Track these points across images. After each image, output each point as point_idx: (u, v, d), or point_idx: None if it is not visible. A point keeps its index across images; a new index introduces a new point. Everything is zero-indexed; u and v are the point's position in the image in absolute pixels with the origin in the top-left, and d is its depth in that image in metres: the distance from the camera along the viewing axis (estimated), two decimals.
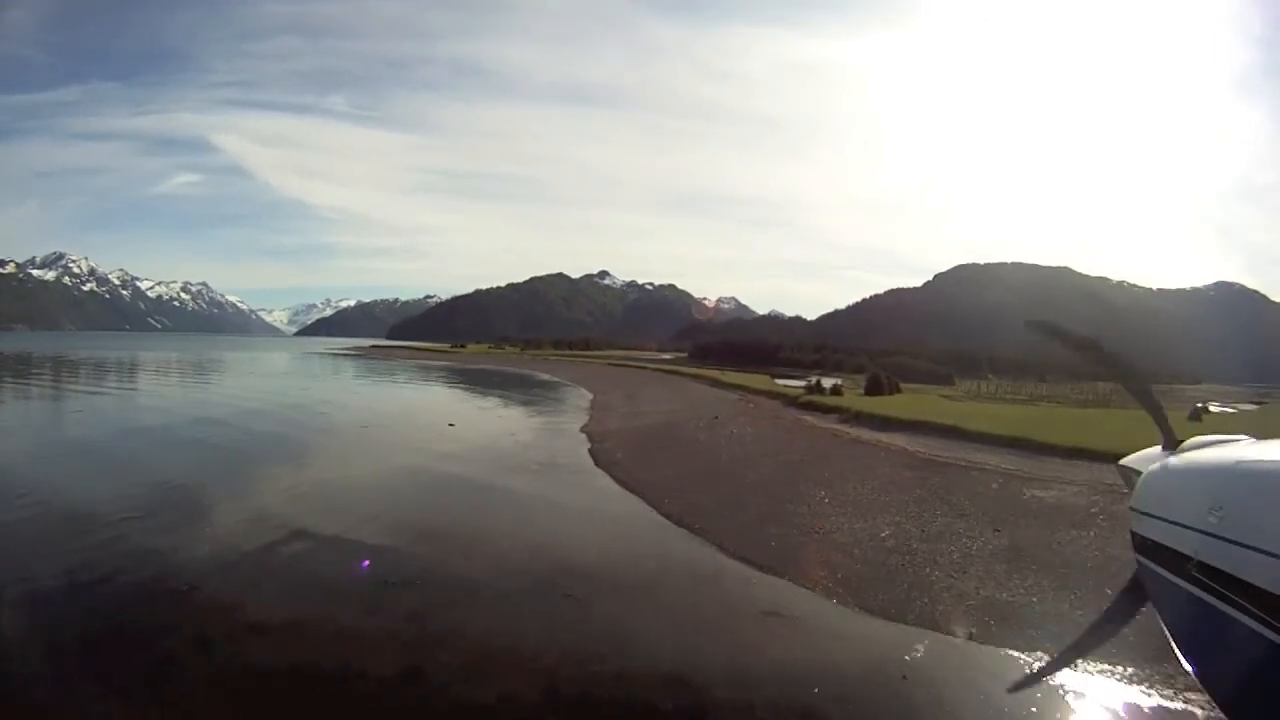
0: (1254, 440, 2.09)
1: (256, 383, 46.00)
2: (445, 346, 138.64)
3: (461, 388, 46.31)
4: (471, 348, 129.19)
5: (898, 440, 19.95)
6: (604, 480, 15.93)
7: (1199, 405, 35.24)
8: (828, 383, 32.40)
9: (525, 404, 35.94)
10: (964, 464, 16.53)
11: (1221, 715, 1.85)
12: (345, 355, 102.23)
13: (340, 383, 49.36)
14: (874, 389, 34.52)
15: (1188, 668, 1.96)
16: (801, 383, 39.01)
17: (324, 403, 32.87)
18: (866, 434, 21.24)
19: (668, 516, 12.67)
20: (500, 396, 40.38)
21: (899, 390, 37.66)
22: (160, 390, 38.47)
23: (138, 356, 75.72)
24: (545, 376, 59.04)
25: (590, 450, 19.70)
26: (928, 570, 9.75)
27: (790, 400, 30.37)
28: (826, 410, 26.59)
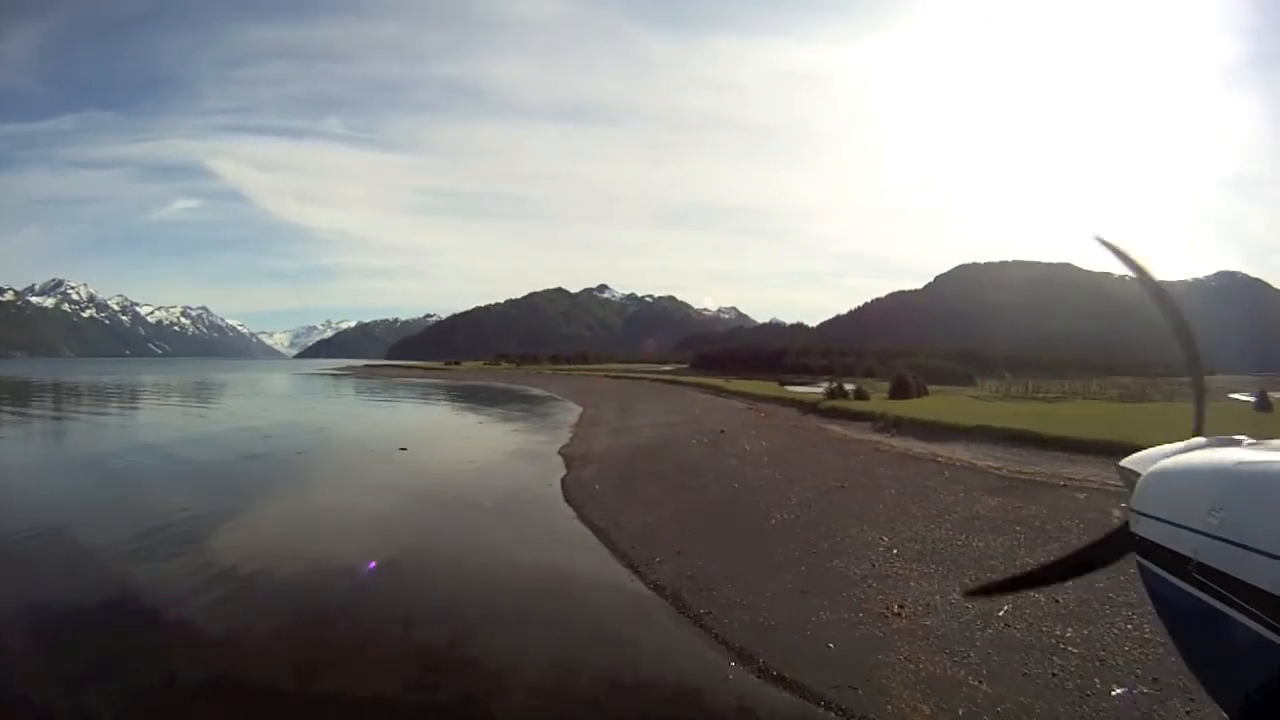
0: (1254, 440, 2.04)
1: (223, 405, 41.81)
2: (439, 364, 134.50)
3: (438, 405, 41.97)
4: (466, 364, 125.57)
5: (957, 453, 15.59)
6: (572, 523, 11.59)
7: (1263, 393, 30.46)
8: (849, 386, 27.87)
9: (501, 421, 31.58)
10: (1061, 482, 12.14)
11: (1224, 717, 1.75)
12: (334, 375, 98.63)
13: (308, 403, 45.04)
14: (900, 391, 30.14)
15: (1189, 670, 1.93)
16: (816, 388, 34.63)
17: (276, 425, 28.73)
18: (916, 446, 16.85)
19: (658, 590, 8.32)
20: (477, 414, 36.04)
21: (926, 392, 33.44)
22: (98, 419, 34.17)
23: (102, 381, 71.52)
24: (535, 391, 54.83)
25: (564, 480, 15.36)
26: (1104, 683, 5.36)
27: (809, 406, 25.98)
28: (856, 417, 22.20)
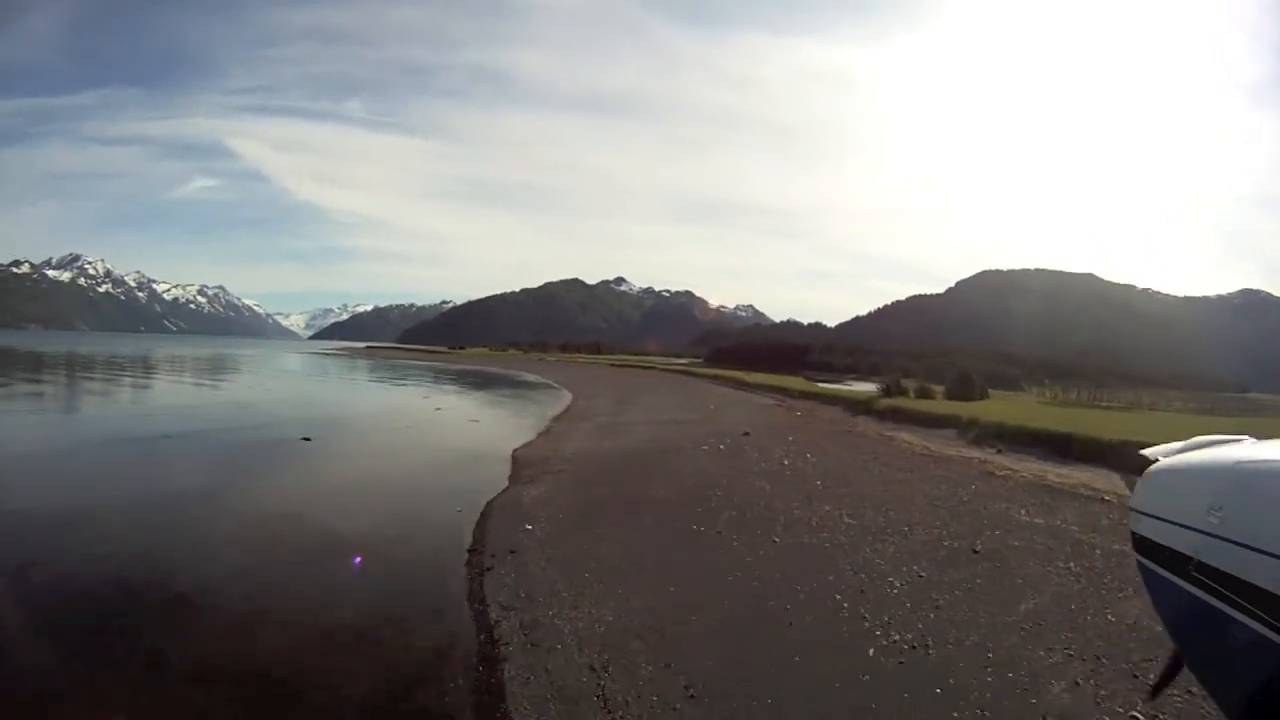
0: (1254, 440, 2.00)
1: (165, 378, 36.47)
2: (443, 349, 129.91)
3: (409, 388, 36.21)
4: (470, 350, 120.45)
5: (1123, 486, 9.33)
6: (435, 627, 5.63)
7: None
8: (907, 383, 21.65)
9: (468, 408, 25.75)
10: None
11: (1223, 717, 1.75)
12: (326, 354, 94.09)
13: (266, 379, 39.44)
14: (962, 390, 23.90)
15: (1189, 669, 1.92)
16: (856, 385, 28.44)
17: (191, 404, 23.58)
18: (1050, 472, 10.76)
19: None
20: (446, 399, 30.32)
21: (988, 394, 27.30)
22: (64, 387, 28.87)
23: (95, 351, 66.91)
24: (529, 377, 49.06)
25: (492, 504, 9.46)
26: None
27: (860, 406, 19.86)
28: (931, 421, 16.10)
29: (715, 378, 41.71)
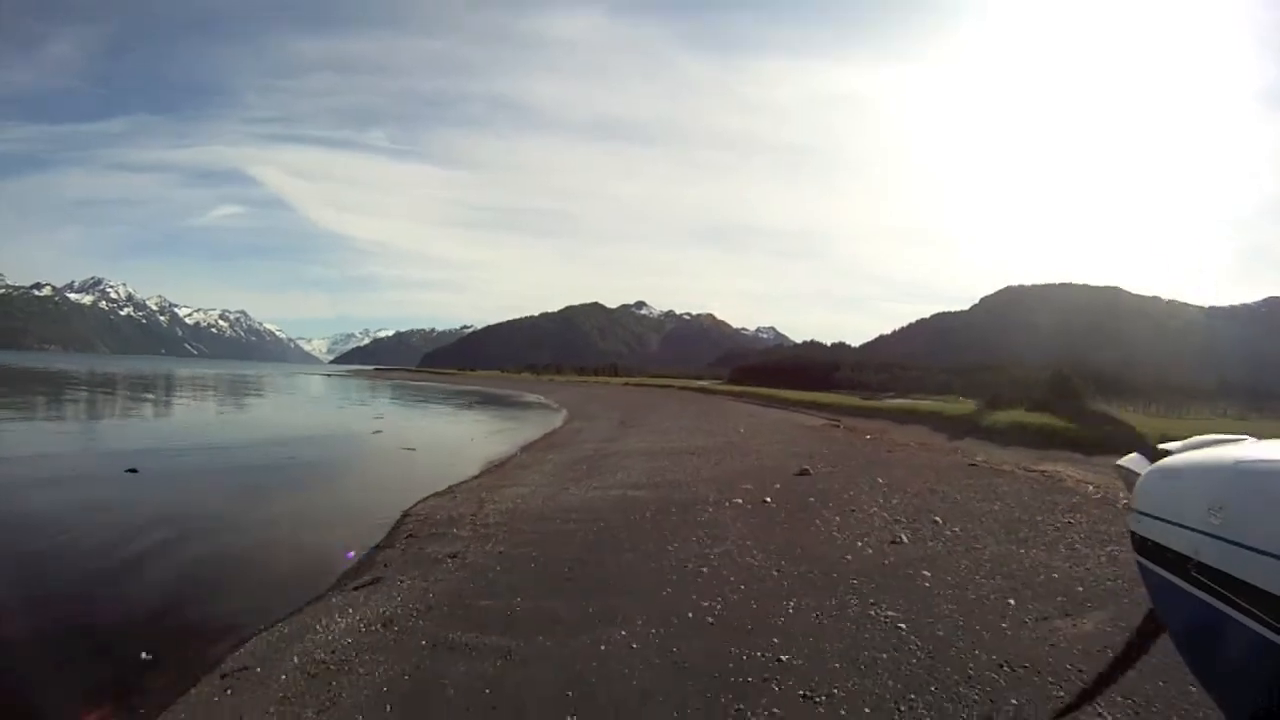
0: (1254, 440, 1.88)
1: (120, 399, 31.40)
2: (453, 370, 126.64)
3: (368, 408, 30.66)
4: (481, 372, 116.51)
5: None
6: None
7: None
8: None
9: (414, 434, 20.01)
10: None
11: (1223, 717, 1.69)
12: (334, 377, 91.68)
13: (226, 398, 34.26)
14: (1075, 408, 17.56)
15: (1189, 670, 1.81)
16: (919, 402, 22.22)
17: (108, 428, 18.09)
18: None
19: None
20: (408, 418, 24.75)
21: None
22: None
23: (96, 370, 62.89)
24: (531, 398, 43.66)
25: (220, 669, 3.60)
26: None
27: (959, 425, 13.72)
28: (1103, 448, 9.93)
29: (740, 394, 35.71)
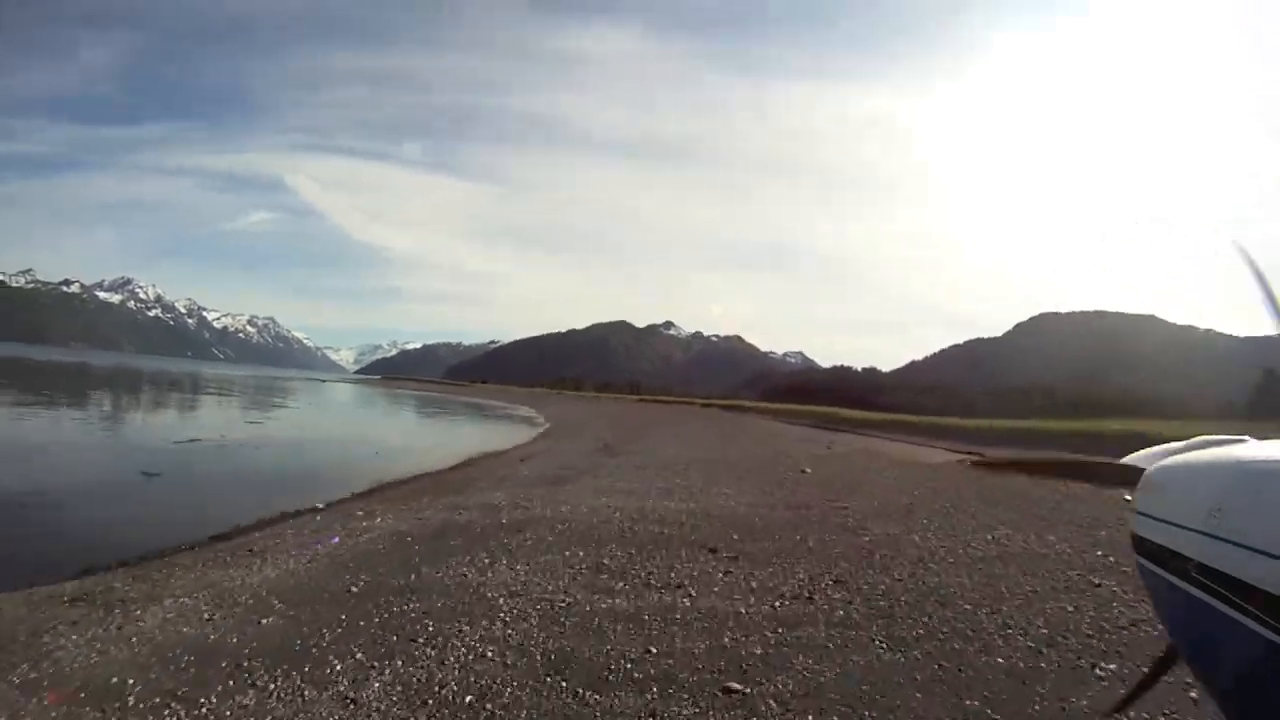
0: (1254, 440, 1.88)
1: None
2: (465, 382, 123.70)
3: (323, 419, 24.00)
4: (491, 385, 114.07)
5: None
6: None
7: None
8: None
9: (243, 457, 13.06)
10: None
11: (1222, 717, 1.69)
12: (334, 384, 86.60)
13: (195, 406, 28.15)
14: None
15: (1189, 670, 1.87)
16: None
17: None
18: None
19: None
20: (327, 444, 18.09)
21: None
22: None
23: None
24: (523, 411, 37.11)
25: None
26: None
27: None
28: None
29: (774, 414, 28.15)
